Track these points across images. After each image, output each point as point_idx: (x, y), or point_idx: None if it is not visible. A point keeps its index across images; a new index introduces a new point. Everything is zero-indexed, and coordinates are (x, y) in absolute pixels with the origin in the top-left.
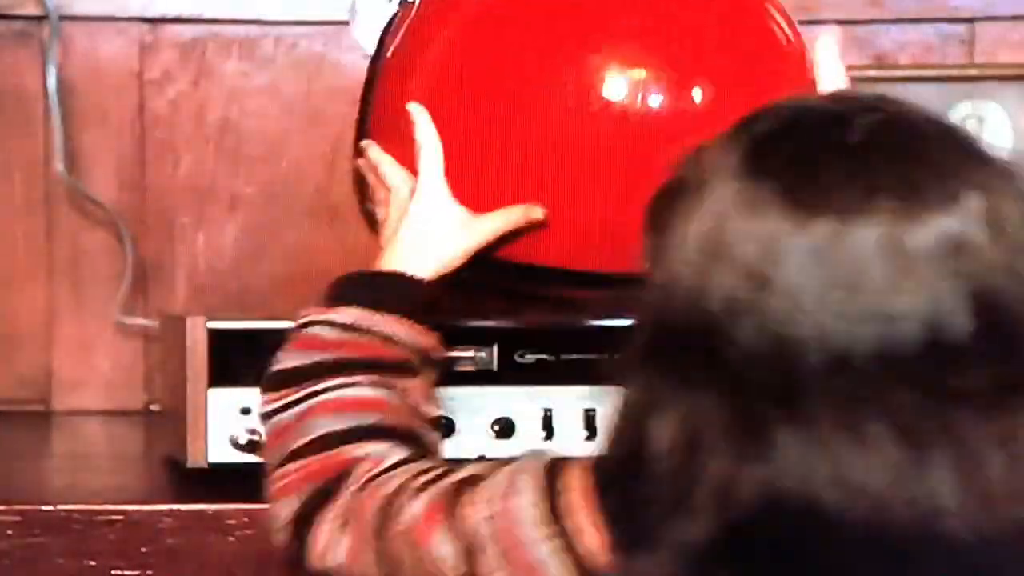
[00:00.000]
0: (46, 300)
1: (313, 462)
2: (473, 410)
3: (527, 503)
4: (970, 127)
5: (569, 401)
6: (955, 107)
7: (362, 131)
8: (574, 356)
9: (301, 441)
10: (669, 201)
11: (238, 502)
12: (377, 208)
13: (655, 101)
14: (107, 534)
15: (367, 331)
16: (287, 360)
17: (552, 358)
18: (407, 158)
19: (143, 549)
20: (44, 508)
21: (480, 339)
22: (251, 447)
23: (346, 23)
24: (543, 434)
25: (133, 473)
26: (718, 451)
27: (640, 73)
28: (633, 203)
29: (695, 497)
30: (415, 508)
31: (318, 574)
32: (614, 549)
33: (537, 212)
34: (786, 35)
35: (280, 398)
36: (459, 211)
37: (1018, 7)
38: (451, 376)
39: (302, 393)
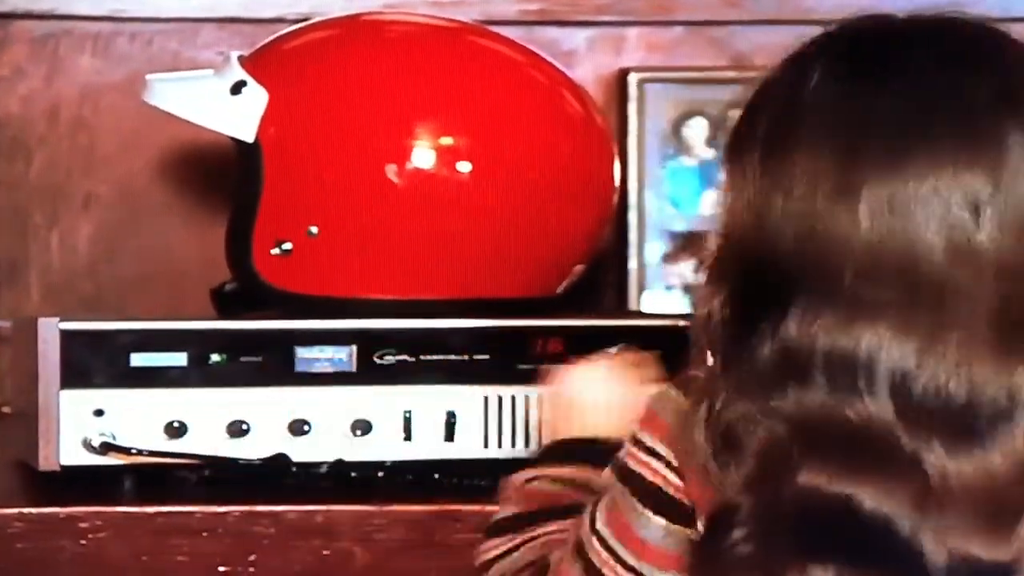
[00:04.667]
0: None
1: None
2: (331, 411)
3: None
4: None
5: (428, 402)
6: None
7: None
8: (433, 357)
9: None
10: None
11: (91, 505)
12: None
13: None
14: None
15: (582, 485)
16: (506, 510)
17: (411, 359)
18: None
19: None
20: None
21: (339, 339)
22: (104, 449)
23: (203, 20)
24: (402, 435)
25: None
26: None
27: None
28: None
29: None
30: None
31: None
32: None
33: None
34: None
35: (499, 545)
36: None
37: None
38: (309, 377)
39: (520, 539)
